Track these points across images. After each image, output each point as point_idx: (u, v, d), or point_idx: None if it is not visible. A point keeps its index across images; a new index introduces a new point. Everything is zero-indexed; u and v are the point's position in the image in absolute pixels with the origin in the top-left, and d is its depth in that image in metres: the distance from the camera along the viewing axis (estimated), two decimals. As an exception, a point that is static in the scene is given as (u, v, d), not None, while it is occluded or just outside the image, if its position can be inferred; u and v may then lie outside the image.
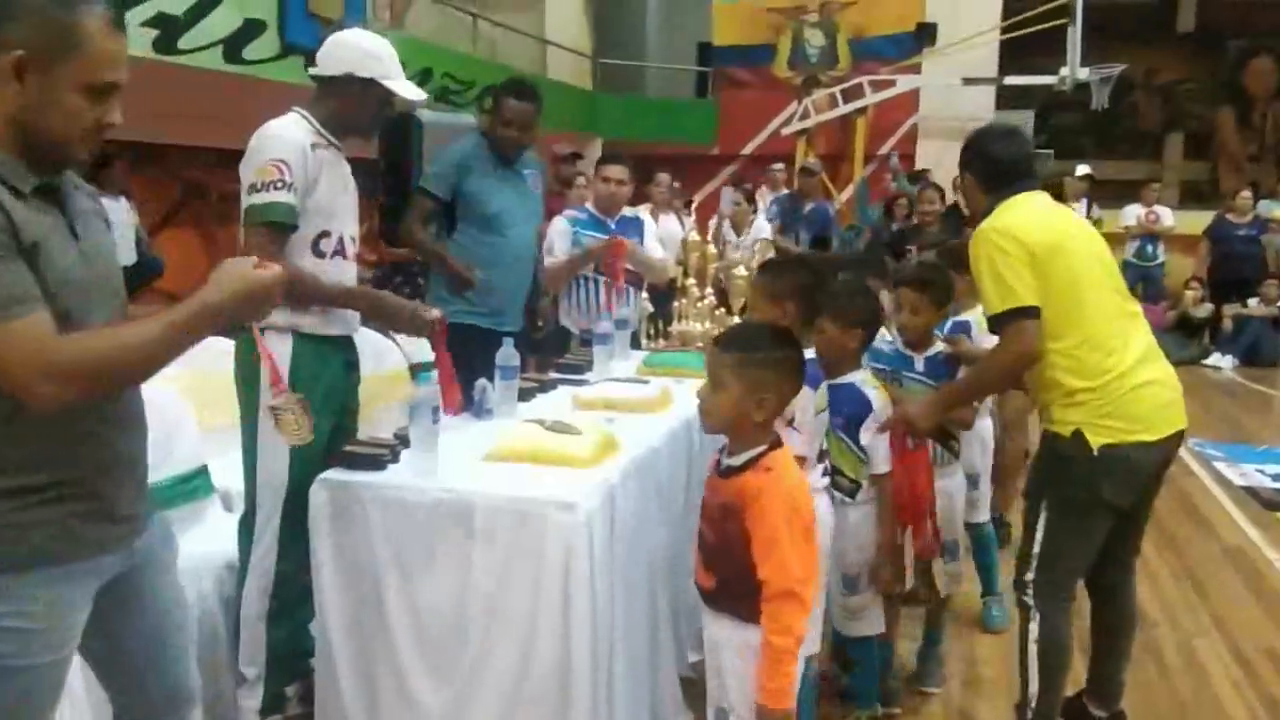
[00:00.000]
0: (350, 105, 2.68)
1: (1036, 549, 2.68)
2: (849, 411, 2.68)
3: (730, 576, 2.01)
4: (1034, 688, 2.69)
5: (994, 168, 2.75)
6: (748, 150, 13.82)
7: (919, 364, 3.09)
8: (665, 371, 3.56)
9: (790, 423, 2.35)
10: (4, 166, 1.50)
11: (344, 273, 2.74)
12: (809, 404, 2.42)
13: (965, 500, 3.34)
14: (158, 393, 1.97)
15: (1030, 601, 2.70)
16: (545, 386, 3.39)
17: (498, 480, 2.39)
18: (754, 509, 1.95)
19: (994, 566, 3.68)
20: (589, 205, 4.49)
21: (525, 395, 3.20)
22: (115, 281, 1.71)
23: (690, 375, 3.50)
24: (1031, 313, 2.54)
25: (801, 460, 2.40)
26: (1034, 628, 2.69)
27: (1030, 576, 2.69)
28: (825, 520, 2.51)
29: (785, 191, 8.53)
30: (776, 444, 2.06)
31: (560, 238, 4.34)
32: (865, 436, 2.68)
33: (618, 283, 4.32)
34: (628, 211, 4.54)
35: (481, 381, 2.98)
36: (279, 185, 2.51)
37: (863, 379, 2.75)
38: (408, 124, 5.85)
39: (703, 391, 2.07)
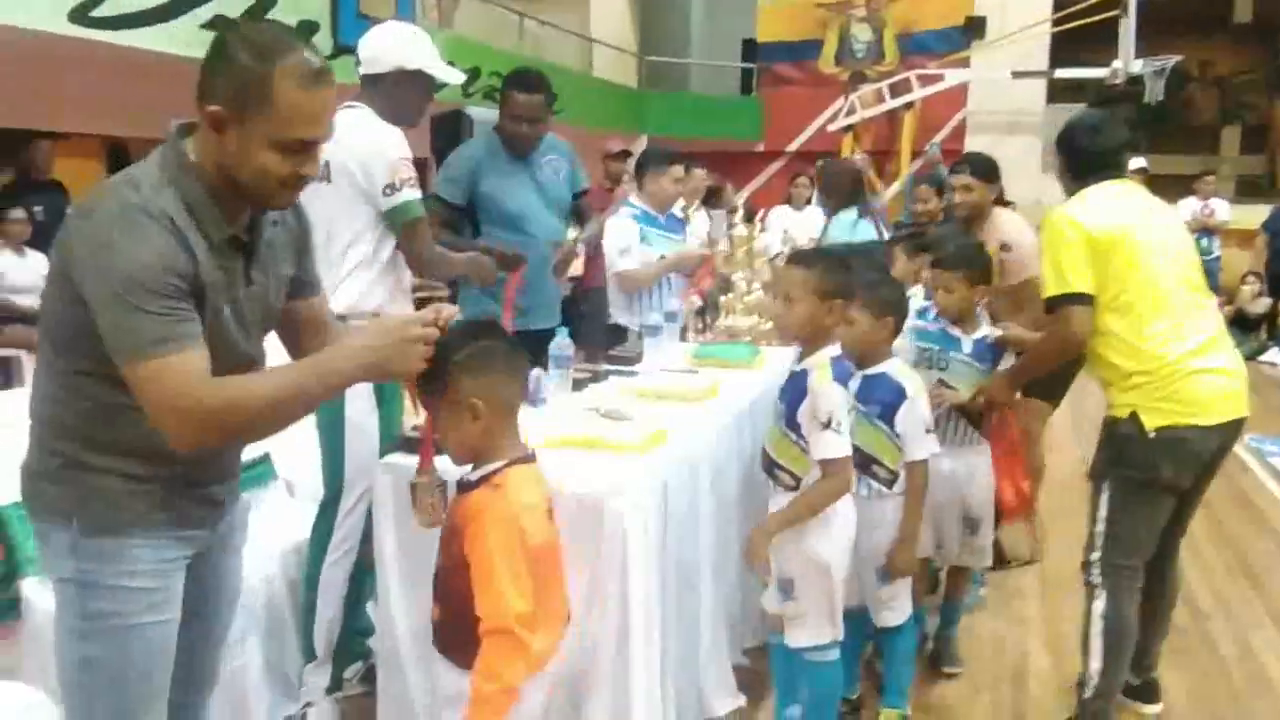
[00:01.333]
0: (402, 97, 2.78)
1: (1100, 528, 2.75)
2: (885, 400, 2.70)
3: (453, 606, 1.76)
4: (1095, 665, 2.75)
5: (1078, 159, 2.86)
6: (793, 147, 13.80)
7: (966, 345, 3.13)
8: (714, 363, 3.60)
9: (827, 425, 2.36)
10: (206, 215, 1.55)
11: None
12: (844, 403, 2.42)
13: None
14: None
15: (1095, 581, 2.76)
16: (597, 377, 3.44)
17: (554, 466, 2.41)
18: (471, 530, 1.72)
19: None
20: (636, 200, 4.40)
21: (578, 385, 3.25)
22: (274, 311, 1.77)
23: (739, 366, 3.54)
24: (1081, 299, 2.64)
25: (850, 460, 2.43)
26: (1098, 605, 2.75)
27: (1095, 556, 2.76)
28: (851, 510, 2.54)
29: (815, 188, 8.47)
30: (522, 459, 1.84)
31: (632, 237, 4.23)
32: (901, 424, 2.70)
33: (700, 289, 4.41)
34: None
35: (536, 371, 3.03)
36: (413, 182, 2.72)
37: (895, 367, 2.77)
38: (458, 120, 5.93)
39: (436, 427, 1.83)
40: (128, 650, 1.63)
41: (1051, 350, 2.85)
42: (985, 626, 3.61)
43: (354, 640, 2.82)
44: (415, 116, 2.87)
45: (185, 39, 6.14)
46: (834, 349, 2.49)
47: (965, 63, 13.10)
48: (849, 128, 13.17)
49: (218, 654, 1.94)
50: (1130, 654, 2.78)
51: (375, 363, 1.61)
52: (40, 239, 5.88)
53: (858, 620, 2.79)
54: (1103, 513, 2.74)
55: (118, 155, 7.52)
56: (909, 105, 12.98)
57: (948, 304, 3.13)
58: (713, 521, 2.80)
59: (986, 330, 3.18)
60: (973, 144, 12.85)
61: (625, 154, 6.86)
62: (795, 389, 2.49)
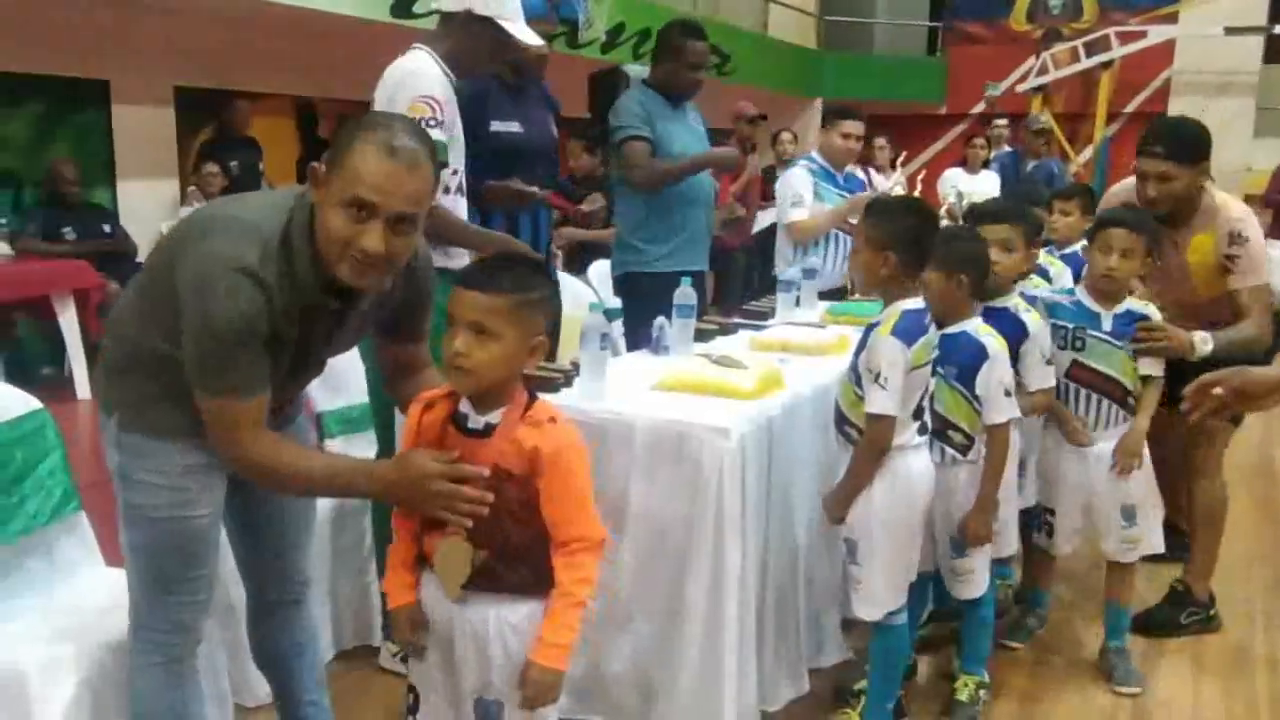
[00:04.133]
0: (466, 44, 2.65)
1: None
2: (963, 361, 2.53)
3: (502, 548, 1.73)
4: None
5: None
6: (978, 109, 13.25)
7: (1106, 322, 2.84)
8: (849, 320, 3.54)
9: (876, 379, 2.27)
10: (304, 281, 1.67)
11: (461, 209, 2.77)
12: (899, 360, 2.28)
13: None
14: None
15: None
16: (726, 329, 3.45)
17: (661, 406, 2.49)
18: (559, 466, 1.70)
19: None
20: (816, 156, 4.40)
21: (705, 336, 3.28)
22: (343, 350, 1.95)
23: (874, 323, 3.48)
24: None
25: (892, 420, 2.30)
26: None
27: None
28: (923, 476, 2.41)
29: (1007, 149, 8.13)
30: (533, 391, 1.81)
31: (806, 189, 4.26)
32: (981, 386, 2.54)
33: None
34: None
35: (659, 319, 3.08)
36: (433, 123, 2.48)
37: (975, 326, 2.59)
38: (616, 78, 6.00)
39: (462, 344, 1.66)
40: (161, 539, 1.81)
41: None
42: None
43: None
44: (480, 69, 2.76)
45: (369, 2, 6.47)
46: (910, 302, 2.35)
47: (1172, 18, 12.21)
48: (1039, 88, 12.54)
49: (298, 556, 2.10)
50: None
51: (395, 498, 1.75)
52: (234, 191, 6.36)
53: (924, 584, 2.69)
54: None
55: (307, 114, 8.00)
56: (1107, 64, 12.24)
57: (1124, 270, 2.80)
58: (822, 471, 2.77)
59: (1129, 304, 2.86)
60: (1177, 106, 12.04)
61: (761, 118, 6.79)
62: (865, 342, 2.38)
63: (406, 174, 1.61)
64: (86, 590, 2.27)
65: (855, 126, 4.32)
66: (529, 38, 2.69)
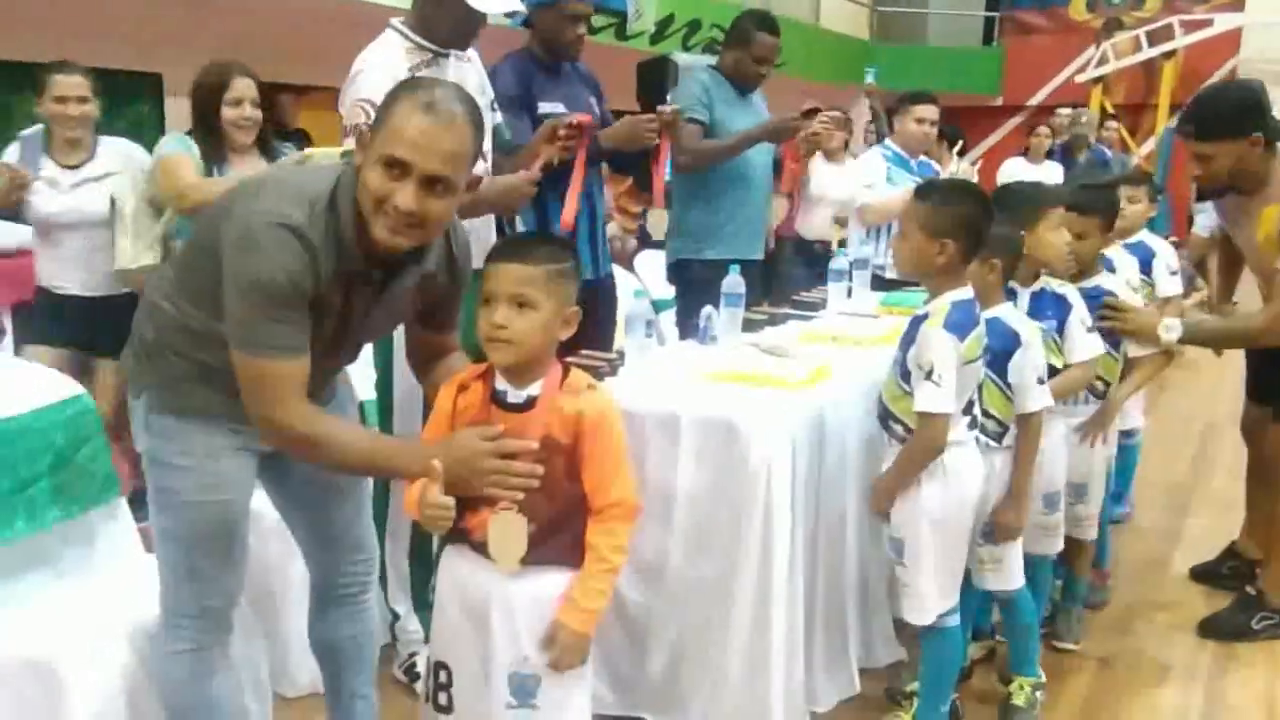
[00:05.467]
0: (435, 16, 2.48)
1: None
2: (996, 348, 2.40)
3: (556, 515, 1.72)
4: None
5: None
6: (1035, 100, 12.99)
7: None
8: (902, 310, 3.45)
9: (928, 376, 2.16)
10: (349, 248, 1.65)
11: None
12: (952, 354, 2.17)
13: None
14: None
15: None
16: (775, 319, 3.37)
17: (708, 396, 2.43)
18: (602, 429, 1.72)
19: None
20: (891, 143, 4.38)
21: (754, 327, 3.21)
22: (383, 332, 1.93)
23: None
24: None
25: (947, 418, 2.19)
26: None
27: None
28: (973, 472, 2.29)
29: (1056, 141, 7.90)
30: (567, 362, 1.81)
31: (878, 174, 4.28)
32: (1014, 373, 2.42)
33: None
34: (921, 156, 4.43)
35: (707, 308, 3.01)
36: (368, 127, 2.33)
37: (1008, 312, 2.47)
38: (664, 67, 5.92)
39: (502, 317, 1.66)
40: (190, 524, 1.78)
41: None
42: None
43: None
44: (453, 41, 2.53)
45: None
46: (958, 293, 2.24)
47: (1239, 5, 11.86)
48: (1099, 79, 12.24)
49: (357, 523, 2.05)
50: None
51: (446, 478, 1.66)
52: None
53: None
54: None
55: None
56: (1169, 54, 11.91)
57: (1080, 251, 2.76)
58: (874, 466, 2.68)
59: (1099, 280, 2.85)
60: (1243, 96, 11.68)
61: (816, 111, 6.69)
62: (912, 335, 2.27)
63: (442, 132, 1.59)
64: (126, 577, 2.24)
65: (928, 110, 4.28)
66: (487, 4, 2.44)
